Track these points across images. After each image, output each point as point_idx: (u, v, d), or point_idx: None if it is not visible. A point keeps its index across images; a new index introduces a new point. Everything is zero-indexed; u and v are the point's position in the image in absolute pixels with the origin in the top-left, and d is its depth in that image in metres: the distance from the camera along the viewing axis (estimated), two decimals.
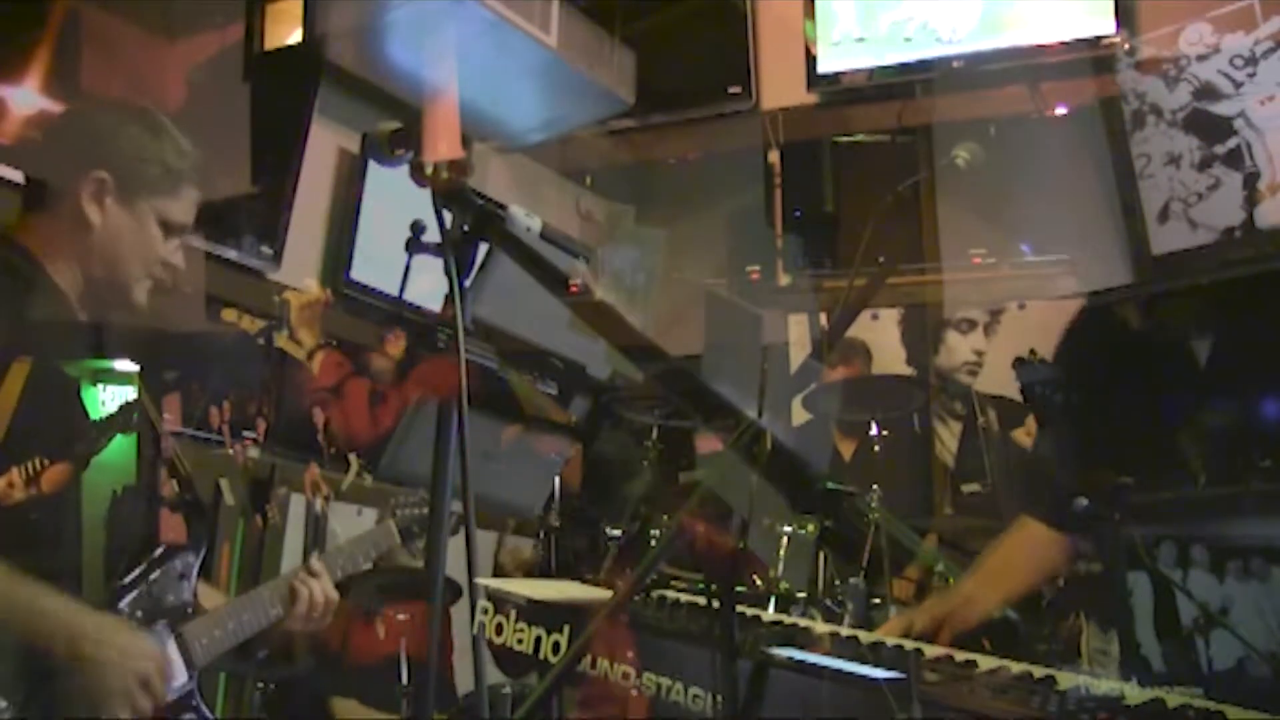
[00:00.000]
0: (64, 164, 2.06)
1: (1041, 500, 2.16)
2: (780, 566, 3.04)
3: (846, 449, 4.38)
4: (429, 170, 1.40)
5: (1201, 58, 1.77)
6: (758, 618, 1.74)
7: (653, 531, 3.01)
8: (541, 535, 3.45)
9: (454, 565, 1.74)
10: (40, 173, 2.11)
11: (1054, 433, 2.11)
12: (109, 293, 2.07)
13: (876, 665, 1.47)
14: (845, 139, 4.61)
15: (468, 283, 1.38)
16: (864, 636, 1.68)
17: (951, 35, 4.03)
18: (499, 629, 1.72)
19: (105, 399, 2.01)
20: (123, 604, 1.96)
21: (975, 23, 4.04)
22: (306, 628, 2.09)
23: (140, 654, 1.87)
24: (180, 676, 1.97)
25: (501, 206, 1.41)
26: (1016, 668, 1.47)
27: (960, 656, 1.52)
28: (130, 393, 2.02)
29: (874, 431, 3.81)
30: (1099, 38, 3.57)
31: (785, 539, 3.07)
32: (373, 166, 3.78)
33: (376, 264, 3.79)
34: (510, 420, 1.66)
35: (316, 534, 3.16)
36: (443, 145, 1.42)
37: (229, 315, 2.18)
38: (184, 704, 1.97)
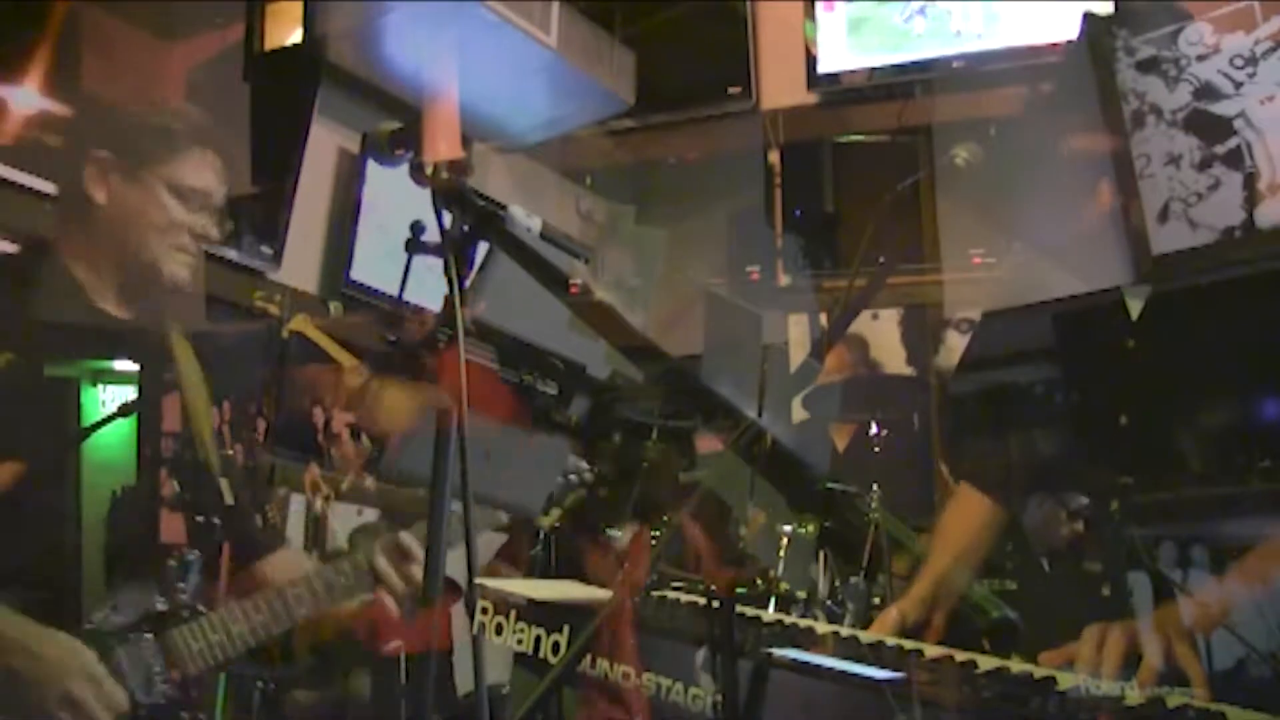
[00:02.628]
0: (67, 155, 2.04)
1: (969, 466, 2.21)
2: (780, 566, 3.04)
3: (840, 440, 4.38)
4: (429, 170, 1.40)
5: (1201, 58, 1.77)
6: (758, 618, 1.74)
7: (653, 531, 3.01)
8: (541, 535, 3.44)
9: (453, 567, 1.74)
10: (52, 171, 2.08)
11: (1053, 432, 2.11)
12: (138, 273, 2.02)
13: (876, 665, 1.47)
14: (845, 139, 4.61)
15: (468, 283, 1.38)
16: (864, 636, 1.68)
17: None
18: (499, 629, 1.72)
19: (105, 399, 2.01)
20: (117, 607, 1.92)
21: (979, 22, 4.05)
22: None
23: (75, 670, 1.79)
24: (159, 687, 1.91)
25: (501, 206, 1.41)
26: (1016, 668, 1.47)
27: (960, 656, 1.52)
28: (130, 393, 2.02)
29: (874, 431, 3.82)
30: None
31: (785, 539, 3.07)
32: (373, 166, 3.78)
33: (376, 264, 3.79)
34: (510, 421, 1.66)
35: (316, 534, 3.15)
36: (443, 145, 1.43)
37: (258, 297, 2.13)
38: (168, 712, 1.91)
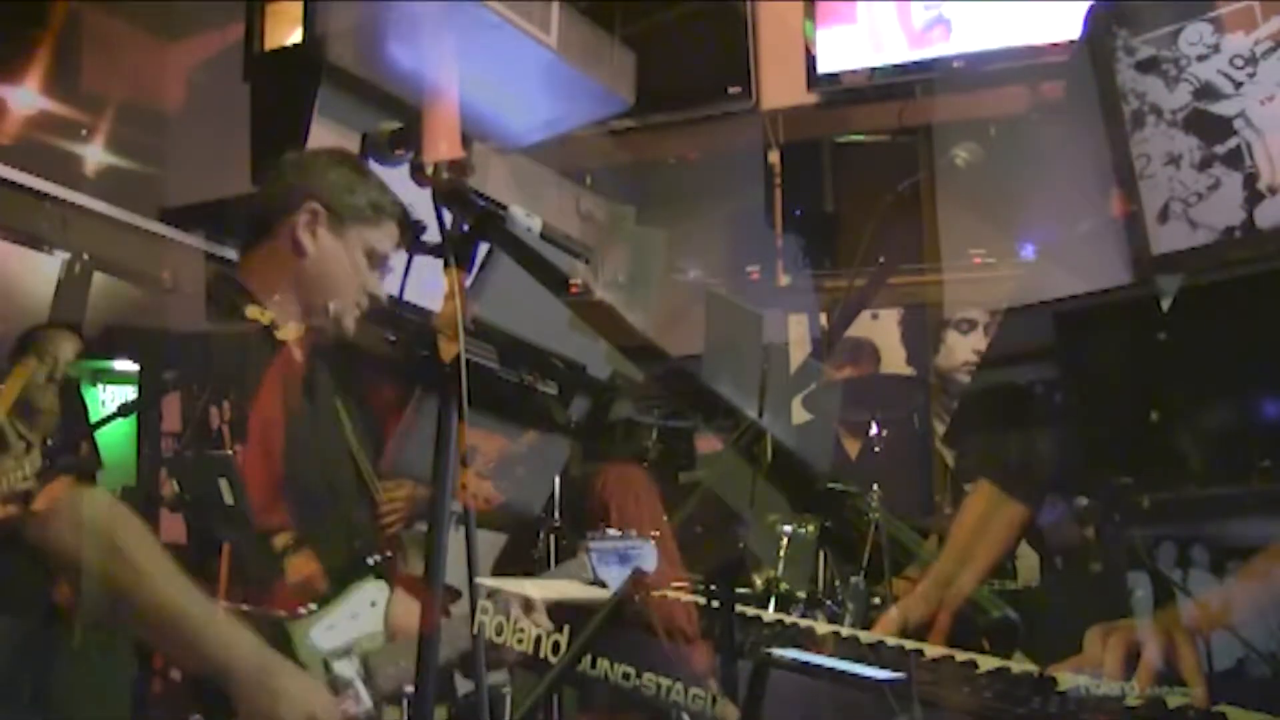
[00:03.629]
0: (280, 200, 2.21)
1: (994, 465, 2.19)
2: (780, 566, 3.04)
3: (852, 448, 4.39)
4: (429, 170, 1.40)
5: (1201, 58, 1.77)
6: (758, 618, 1.74)
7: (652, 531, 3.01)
8: (541, 535, 3.44)
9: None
10: (259, 213, 2.25)
11: (1053, 432, 2.11)
12: (325, 320, 2.19)
13: (877, 665, 1.47)
14: (845, 139, 4.61)
15: (468, 283, 1.38)
16: (864, 636, 1.68)
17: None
18: (499, 629, 1.72)
19: (105, 399, 2.01)
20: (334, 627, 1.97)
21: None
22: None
23: (319, 700, 1.86)
24: (364, 706, 1.95)
25: (501, 206, 1.41)
26: (1017, 668, 1.47)
27: (960, 657, 1.52)
28: (130, 393, 2.02)
29: (875, 431, 3.82)
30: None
31: (785, 539, 3.07)
32: (373, 166, 3.77)
33: None
34: (511, 420, 1.66)
35: None
36: (443, 145, 1.42)
37: (254, 313, 2.19)
38: None
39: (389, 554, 2.19)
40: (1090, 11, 1.93)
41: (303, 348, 2.22)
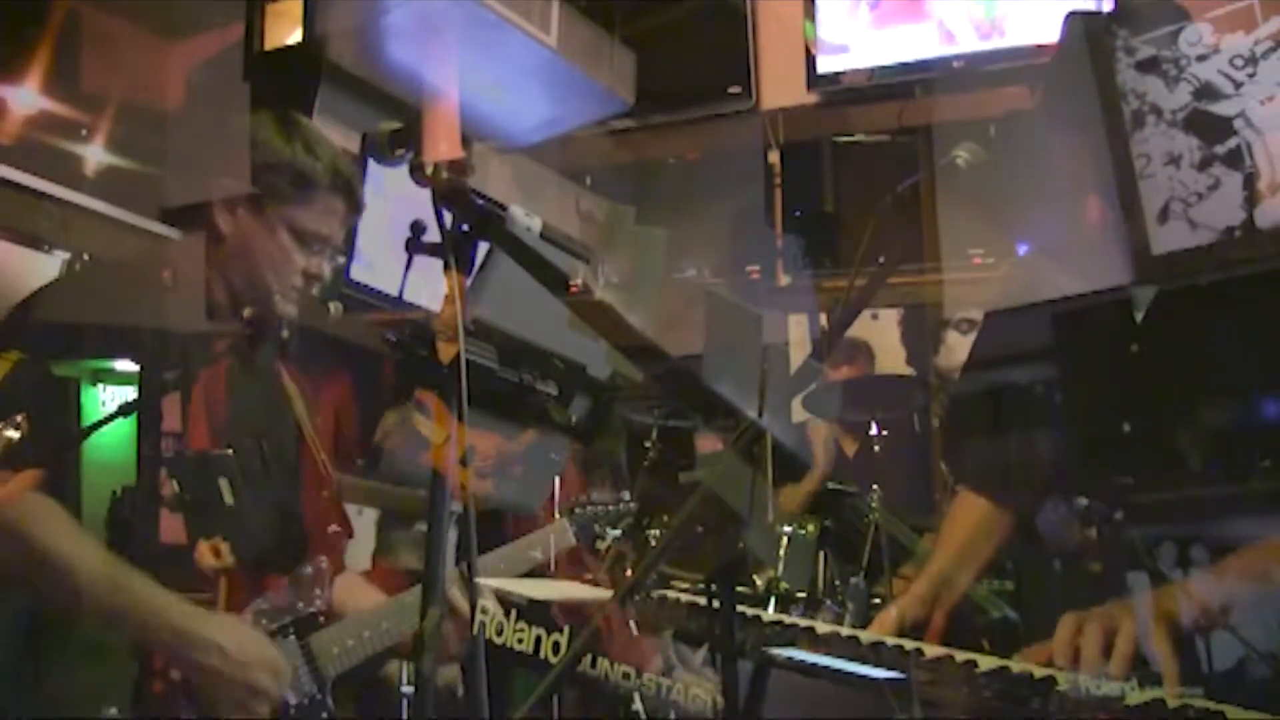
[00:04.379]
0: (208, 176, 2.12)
1: (972, 471, 2.20)
2: (780, 566, 3.04)
3: (850, 447, 4.39)
4: (429, 170, 1.40)
5: (1201, 58, 1.77)
6: (758, 618, 1.74)
7: (653, 531, 3.01)
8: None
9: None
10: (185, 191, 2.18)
11: (1039, 436, 2.11)
12: (245, 300, 2.09)
13: (876, 665, 1.47)
14: (845, 139, 4.61)
15: (468, 283, 1.37)
16: (864, 636, 1.68)
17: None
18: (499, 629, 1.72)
19: (105, 399, 2.01)
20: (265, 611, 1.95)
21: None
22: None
23: (257, 661, 1.83)
24: (306, 689, 1.94)
25: (501, 206, 1.41)
26: (1016, 668, 1.47)
27: (960, 656, 1.52)
28: (130, 392, 2.02)
29: (874, 431, 3.82)
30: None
31: (785, 539, 3.08)
32: (373, 166, 3.77)
33: (376, 264, 3.79)
34: (510, 421, 1.66)
35: None
36: (443, 145, 1.42)
37: (250, 313, 2.19)
38: (312, 713, 1.95)
39: (337, 530, 2.15)
40: (1068, 17, 1.93)
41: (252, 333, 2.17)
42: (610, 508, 2.39)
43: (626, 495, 2.42)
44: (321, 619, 2.01)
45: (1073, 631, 1.56)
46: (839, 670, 1.47)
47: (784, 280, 4.67)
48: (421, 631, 1.29)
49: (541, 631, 1.78)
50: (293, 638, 1.96)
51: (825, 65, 4.35)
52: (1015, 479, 2.13)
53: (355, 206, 2.11)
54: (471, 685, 1.38)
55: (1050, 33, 4.00)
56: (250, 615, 1.95)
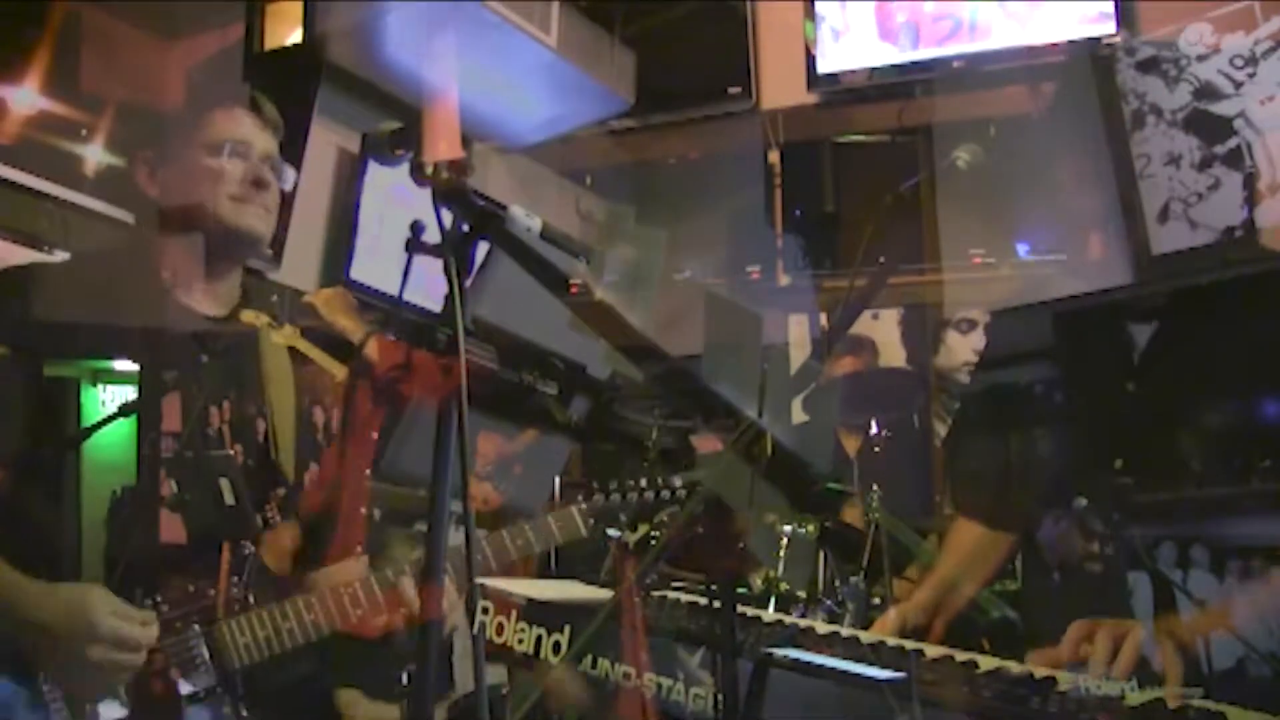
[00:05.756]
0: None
1: (968, 500, 2.20)
2: (780, 566, 3.04)
3: (851, 446, 4.39)
4: (429, 170, 1.40)
5: (1201, 58, 1.77)
6: (758, 618, 1.74)
7: (652, 532, 3.01)
8: None
9: None
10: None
11: (1053, 433, 2.11)
12: (213, 239, 2.08)
13: (876, 665, 1.47)
14: (845, 139, 4.60)
15: (468, 283, 1.37)
16: (864, 636, 1.68)
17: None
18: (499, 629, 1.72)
19: (105, 399, 2.01)
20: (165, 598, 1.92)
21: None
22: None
23: (86, 636, 1.78)
24: (204, 679, 1.92)
25: (501, 206, 1.41)
26: (1016, 668, 1.47)
27: (960, 656, 1.52)
28: (130, 392, 2.02)
29: (874, 430, 3.82)
30: (1099, 38, 3.58)
31: (785, 539, 3.07)
32: (373, 166, 3.77)
33: (376, 264, 3.79)
34: (511, 420, 1.66)
35: None
36: (443, 145, 1.42)
37: (248, 317, 2.18)
38: (210, 702, 1.92)
39: (274, 519, 2.12)
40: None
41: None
42: (647, 494, 2.13)
43: (644, 482, 2.19)
44: (236, 607, 1.96)
45: (1081, 637, 1.56)
46: (839, 670, 1.47)
47: (784, 280, 4.66)
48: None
49: (542, 631, 1.77)
50: (195, 627, 1.93)
51: (825, 65, 4.35)
52: (1015, 507, 2.13)
53: (258, 109, 2.12)
54: (477, 684, 1.38)
55: (1050, 33, 4.00)
56: (150, 601, 1.92)
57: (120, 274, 2.13)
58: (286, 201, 3.55)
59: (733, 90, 4.51)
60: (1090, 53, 1.95)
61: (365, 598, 2.03)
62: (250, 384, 2.15)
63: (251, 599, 1.98)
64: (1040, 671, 1.45)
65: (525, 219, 1.41)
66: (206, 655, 1.92)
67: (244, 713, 1.94)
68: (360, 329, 3.03)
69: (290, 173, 2.21)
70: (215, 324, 2.15)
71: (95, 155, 3.21)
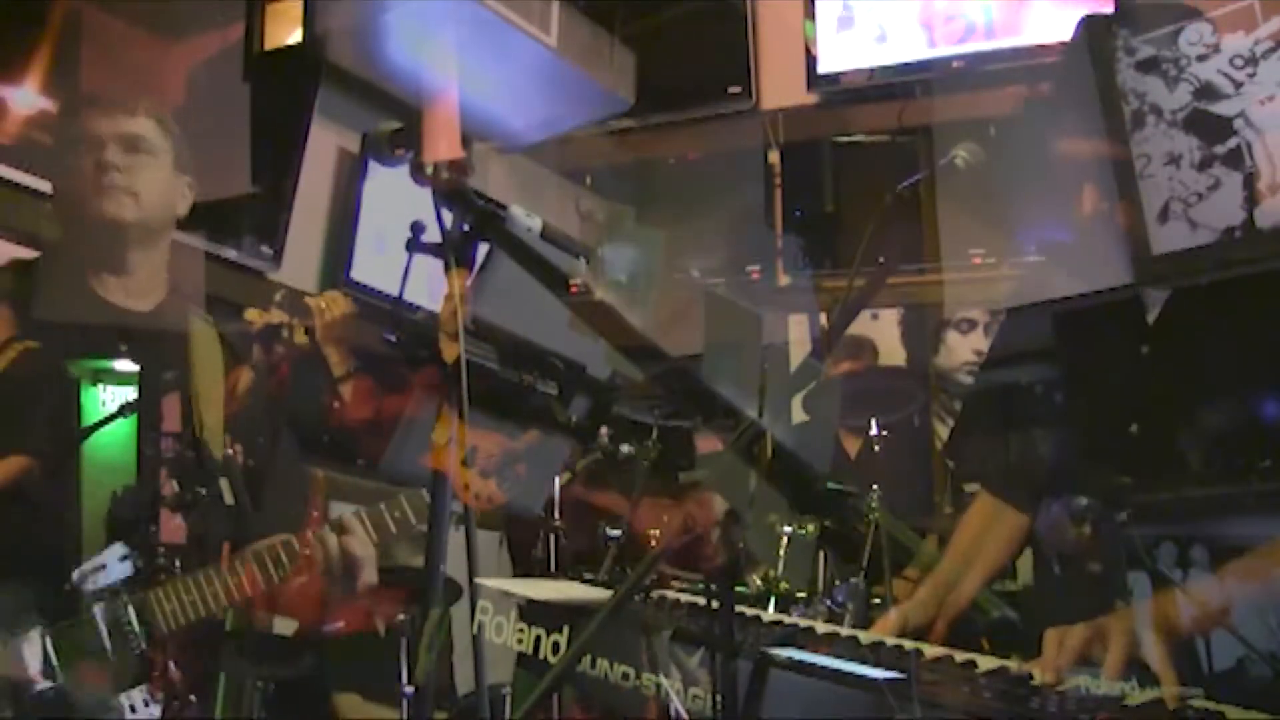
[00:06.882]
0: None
1: (993, 475, 2.19)
2: (780, 566, 3.03)
3: (852, 447, 4.38)
4: (429, 170, 1.40)
5: (1201, 58, 1.77)
6: (758, 618, 1.74)
7: (652, 532, 3.01)
8: (541, 535, 3.44)
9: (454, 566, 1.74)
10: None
11: (1054, 438, 2.11)
12: (95, 233, 2.15)
13: (876, 665, 1.47)
14: (845, 139, 4.61)
15: (468, 283, 1.37)
16: (864, 636, 1.68)
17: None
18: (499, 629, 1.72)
19: (105, 399, 2.01)
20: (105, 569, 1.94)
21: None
22: (335, 589, 2.05)
23: None
24: (131, 643, 1.94)
25: (501, 206, 1.41)
26: (1016, 668, 1.47)
27: (960, 656, 1.52)
28: (130, 393, 2.02)
29: (874, 430, 3.81)
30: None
31: (785, 539, 3.07)
32: (373, 166, 3.77)
33: (376, 264, 3.79)
34: (510, 420, 1.66)
35: None
36: (443, 145, 1.42)
37: (252, 315, 2.19)
38: (140, 667, 1.95)
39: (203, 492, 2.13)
40: (1084, 19, 1.92)
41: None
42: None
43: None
44: (163, 576, 2.01)
45: (1056, 647, 1.54)
46: (839, 670, 1.47)
47: (784, 280, 4.67)
48: (422, 632, 1.29)
49: (541, 631, 1.77)
50: (124, 596, 1.96)
51: (825, 65, 4.35)
52: (1034, 484, 2.12)
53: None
54: (477, 684, 1.38)
55: (1049, 33, 4.00)
56: (93, 575, 1.95)
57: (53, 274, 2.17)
58: (286, 201, 3.57)
59: (733, 90, 4.51)
60: (1086, 27, 1.95)
61: (286, 556, 2.07)
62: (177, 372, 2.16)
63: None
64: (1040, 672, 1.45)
65: (525, 219, 1.41)
66: (135, 621, 1.94)
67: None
68: (343, 365, 3.05)
69: (170, 134, 2.21)
70: (137, 318, 2.15)
71: None
